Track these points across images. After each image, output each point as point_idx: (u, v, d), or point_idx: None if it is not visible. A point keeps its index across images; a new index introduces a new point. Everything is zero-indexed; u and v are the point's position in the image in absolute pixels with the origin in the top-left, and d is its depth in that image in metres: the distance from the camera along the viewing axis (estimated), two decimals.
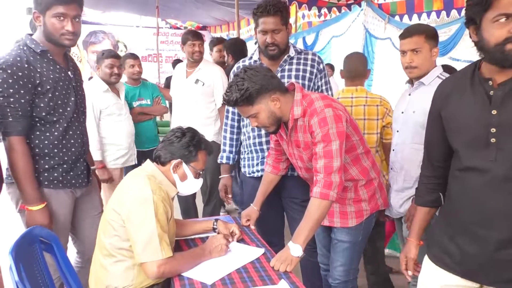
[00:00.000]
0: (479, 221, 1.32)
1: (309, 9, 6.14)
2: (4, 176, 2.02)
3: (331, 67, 6.25)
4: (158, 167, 1.81)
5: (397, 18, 5.46)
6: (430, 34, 1.96)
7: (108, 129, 3.23)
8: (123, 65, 3.61)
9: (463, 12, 4.45)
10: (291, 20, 7.43)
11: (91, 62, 9.91)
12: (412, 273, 1.62)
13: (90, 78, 8.80)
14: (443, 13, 5.51)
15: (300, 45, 7.83)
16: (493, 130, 1.26)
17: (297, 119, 1.83)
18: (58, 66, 1.96)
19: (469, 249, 1.36)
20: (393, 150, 2.14)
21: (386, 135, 2.64)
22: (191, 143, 1.80)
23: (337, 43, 7.09)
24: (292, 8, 6.92)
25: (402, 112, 2.07)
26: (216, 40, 4.33)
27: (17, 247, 1.56)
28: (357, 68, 2.66)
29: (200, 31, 10.74)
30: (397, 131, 2.11)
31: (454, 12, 5.41)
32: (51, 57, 1.94)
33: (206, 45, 3.76)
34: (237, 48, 4.04)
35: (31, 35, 1.96)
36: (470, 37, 1.33)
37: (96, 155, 3.05)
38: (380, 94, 2.71)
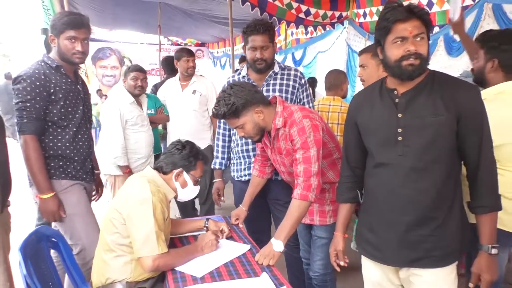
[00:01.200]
0: (393, 208, 1.44)
1: (297, 28, 6.21)
2: (28, 180, 2.13)
3: (314, 80, 6.28)
4: (160, 175, 1.86)
5: None
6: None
7: (130, 138, 3.15)
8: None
9: (436, 29, 4.55)
10: (281, 37, 7.55)
11: (99, 76, 9.95)
12: (343, 263, 1.69)
13: (98, 90, 8.84)
14: None
15: (289, 60, 7.89)
16: (400, 130, 1.42)
17: (278, 129, 1.88)
18: (69, 80, 2.14)
19: (385, 235, 1.48)
20: None
21: None
22: (191, 154, 1.87)
23: (323, 58, 7.15)
24: (282, 27, 6.99)
25: None
26: (244, 57, 4.43)
27: (26, 244, 1.59)
28: (330, 81, 3.03)
29: (199, 47, 10.83)
30: None
31: None
32: (64, 72, 2.11)
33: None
34: (167, 64, 4.31)
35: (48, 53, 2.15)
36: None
37: (122, 160, 3.06)
38: None
